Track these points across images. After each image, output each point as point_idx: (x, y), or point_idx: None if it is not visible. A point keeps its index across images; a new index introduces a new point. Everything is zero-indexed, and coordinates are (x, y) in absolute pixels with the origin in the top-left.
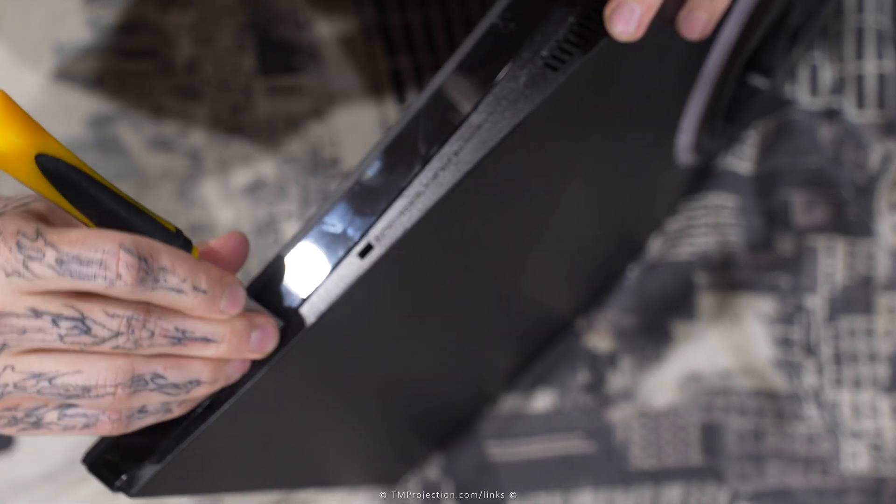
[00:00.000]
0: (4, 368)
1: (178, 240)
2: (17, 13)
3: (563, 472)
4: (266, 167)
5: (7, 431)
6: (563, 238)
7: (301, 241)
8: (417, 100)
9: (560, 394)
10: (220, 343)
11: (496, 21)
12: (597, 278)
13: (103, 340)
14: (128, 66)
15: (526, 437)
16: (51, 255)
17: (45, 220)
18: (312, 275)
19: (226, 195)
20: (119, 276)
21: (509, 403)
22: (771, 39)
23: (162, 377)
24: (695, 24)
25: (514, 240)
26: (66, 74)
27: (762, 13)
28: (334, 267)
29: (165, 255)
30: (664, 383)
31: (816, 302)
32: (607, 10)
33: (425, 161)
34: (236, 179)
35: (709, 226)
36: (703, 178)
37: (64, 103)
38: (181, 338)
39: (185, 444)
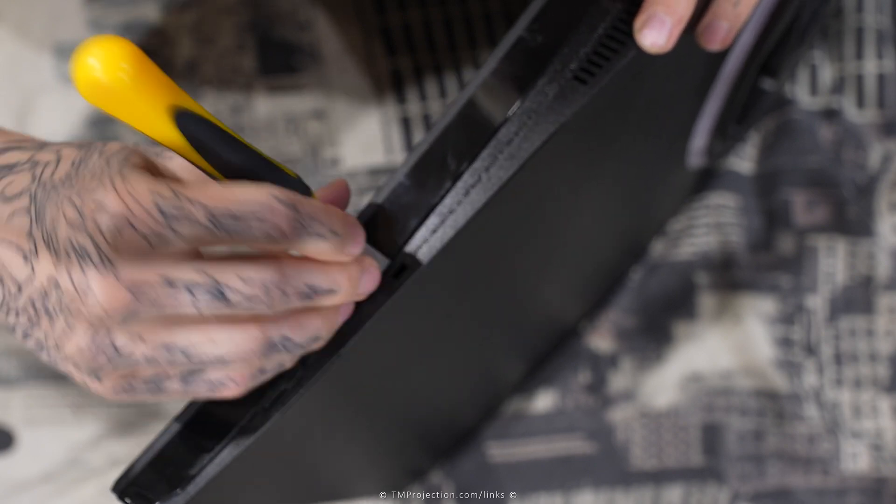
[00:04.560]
0: (133, 340)
1: (301, 186)
2: (17, 13)
3: (564, 473)
4: None
5: (119, 398)
6: (578, 247)
7: None
8: (446, 114)
9: (561, 394)
10: (340, 292)
11: (523, 34)
12: (604, 284)
13: (239, 306)
14: None
15: (526, 437)
16: (201, 214)
17: (154, 172)
18: None
19: None
20: (276, 227)
21: (510, 404)
22: (782, 42)
23: (290, 339)
24: (717, 33)
25: (534, 252)
26: (67, 74)
27: (779, 17)
28: None
29: (307, 202)
30: (665, 384)
31: (817, 302)
32: (637, 22)
33: (455, 177)
34: None
35: (710, 226)
36: (705, 178)
37: (64, 103)
38: (311, 294)
39: (217, 470)
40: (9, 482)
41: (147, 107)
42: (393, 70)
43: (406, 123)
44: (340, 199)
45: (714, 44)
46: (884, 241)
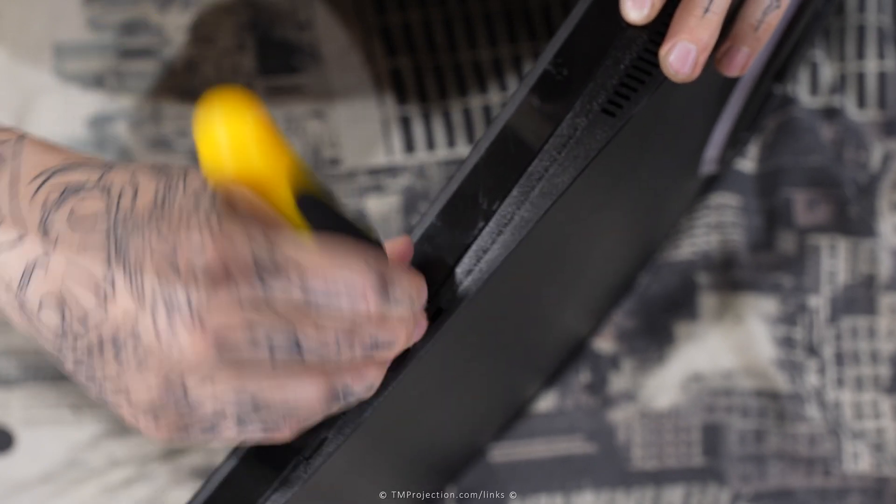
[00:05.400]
0: (204, 382)
1: (379, 247)
2: (17, 13)
3: (564, 473)
4: None
5: (168, 437)
6: (598, 268)
7: None
8: (474, 151)
9: (562, 394)
10: (398, 345)
11: (548, 67)
12: (616, 295)
13: (311, 354)
14: (128, 66)
15: (527, 437)
16: (296, 289)
17: (235, 205)
18: None
19: None
20: (364, 298)
21: None
22: (796, 48)
23: (350, 388)
24: (737, 59)
25: (559, 279)
26: (66, 74)
27: (796, 26)
28: None
29: (395, 271)
30: (666, 384)
31: (819, 302)
32: (663, 51)
33: (488, 216)
34: None
35: (710, 225)
36: (709, 180)
37: (64, 103)
38: (375, 346)
39: None
40: (8, 482)
41: (275, 188)
42: (393, 70)
43: (406, 123)
44: (404, 256)
45: (734, 70)
46: (885, 240)
